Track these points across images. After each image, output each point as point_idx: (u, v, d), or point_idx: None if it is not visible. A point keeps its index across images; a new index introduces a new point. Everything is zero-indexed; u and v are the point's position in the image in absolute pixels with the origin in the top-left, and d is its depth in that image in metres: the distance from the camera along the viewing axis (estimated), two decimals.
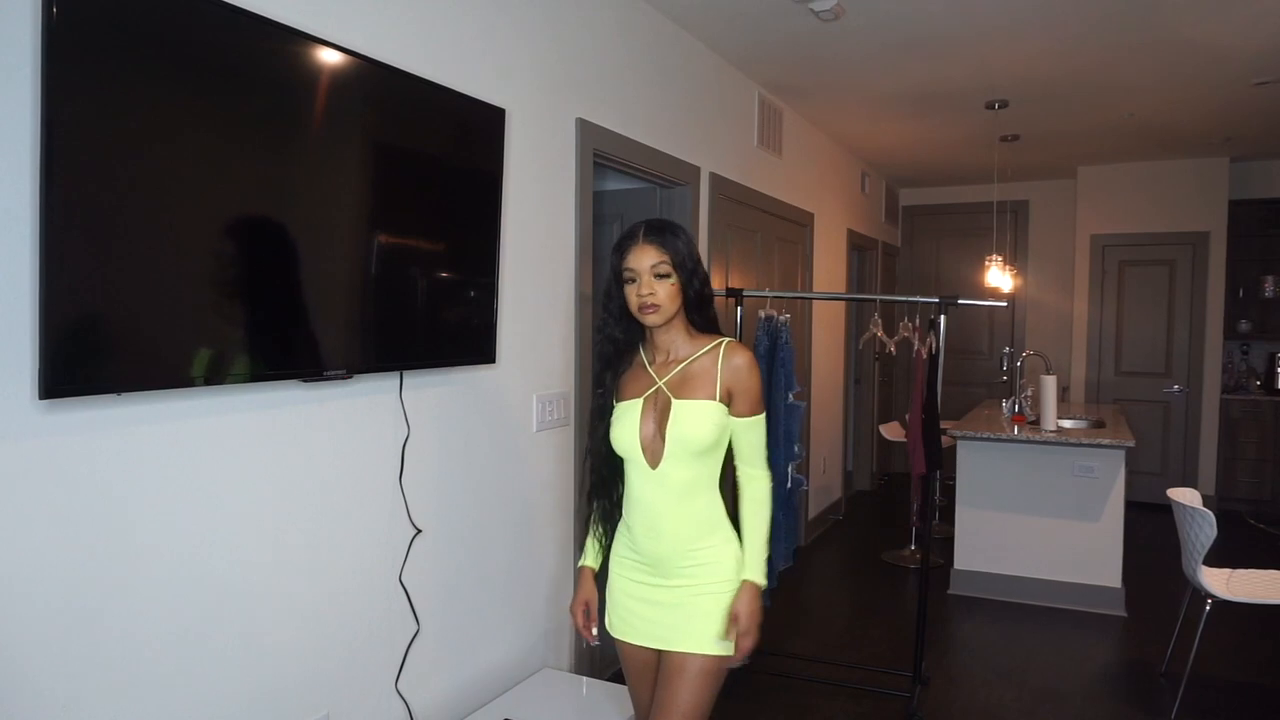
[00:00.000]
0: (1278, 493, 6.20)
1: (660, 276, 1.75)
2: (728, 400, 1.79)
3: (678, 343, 1.83)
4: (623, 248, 1.79)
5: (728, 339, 1.82)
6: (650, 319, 1.77)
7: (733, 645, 1.78)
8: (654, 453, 1.78)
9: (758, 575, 1.82)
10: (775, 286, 4.75)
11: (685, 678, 1.76)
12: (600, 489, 1.92)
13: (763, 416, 1.83)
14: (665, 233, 1.78)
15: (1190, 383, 6.45)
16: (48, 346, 1.36)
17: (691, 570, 1.80)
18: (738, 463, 1.86)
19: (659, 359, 1.84)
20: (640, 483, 1.81)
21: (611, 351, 1.86)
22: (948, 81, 4.37)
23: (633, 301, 1.77)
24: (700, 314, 1.83)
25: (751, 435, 1.83)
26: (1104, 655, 3.78)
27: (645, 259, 1.75)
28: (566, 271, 2.91)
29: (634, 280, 1.76)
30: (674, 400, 1.77)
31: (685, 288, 1.78)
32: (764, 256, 4.72)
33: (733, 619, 1.77)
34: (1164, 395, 6.54)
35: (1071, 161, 6.54)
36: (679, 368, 1.81)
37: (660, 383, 1.81)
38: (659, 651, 1.85)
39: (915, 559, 5.01)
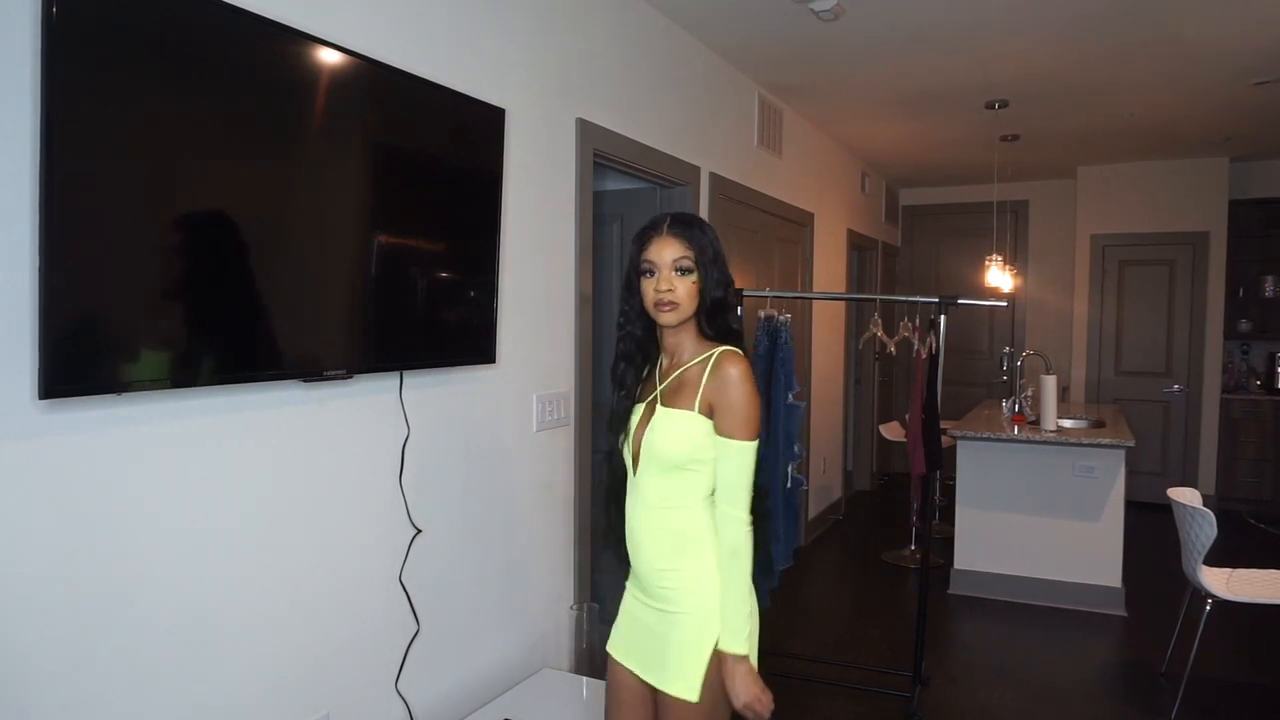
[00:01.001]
0: (1278, 493, 6.20)
1: (682, 272, 1.63)
2: (710, 414, 1.62)
3: (685, 346, 1.70)
4: (644, 238, 1.67)
5: (726, 347, 1.66)
6: (666, 317, 1.65)
7: (698, 692, 1.60)
8: (637, 460, 1.70)
9: (731, 643, 1.59)
10: (775, 286, 4.75)
11: None
12: (607, 497, 1.81)
13: (749, 446, 1.59)
14: (692, 227, 1.66)
15: (1190, 383, 6.45)
16: (48, 346, 1.36)
17: (663, 591, 1.67)
18: (715, 496, 1.64)
19: (667, 361, 1.73)
20: (629, 489, 1.73)
21: (634, 349, 1.74)
22: (948, 81, 4.37)
23: (649, 297, 1.65)
24: (711, 322, 1.67)
25: (729, 464, 1.60)
26: (1104, 655, 3.78)
27: (667, 252, 1.63)
28: (566, 271, 2.91)
29: (652, 274, 1.64)
30: (659, 407, 1.67)
31: (703, 289, 1.65)
32: (764, 256, 4.72)
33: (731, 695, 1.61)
34: (1164, 395, 6.54)
35: (1071, 161, 6.54)
36: (677, 373, 1.68)
37: (660, 387, 1.70)
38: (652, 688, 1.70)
39: (915, 559, 5.01)
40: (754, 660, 1.64)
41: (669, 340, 1.71)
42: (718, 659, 1.60)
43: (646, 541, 1.68)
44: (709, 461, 1.63)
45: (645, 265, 1.66)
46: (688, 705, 1.61)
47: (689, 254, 1.63)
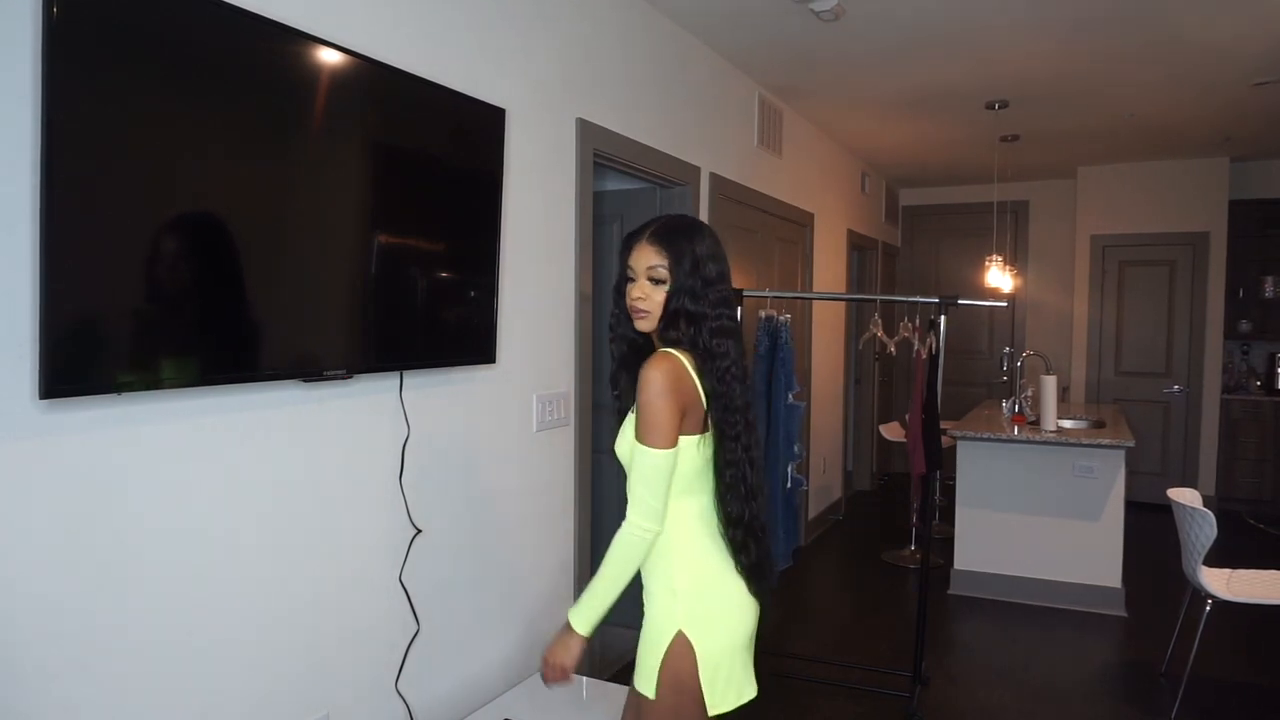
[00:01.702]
0: (1278, 493, 6.19)
1: (656, 282, 1.60)
2: None
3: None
4: (627, 244, 1.65)
5: (663, 349, 1.62)
6: (639, 324, 1.64)
7: (654, 688, 1.61)
8: None
9: (573, 615, 1.63)
10: (775, 286, 4.75)
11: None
12: None
13: (647, 452, 1.54)
14: (675, 235, 1.61)
15: (1190, 383, 6.45)
16: (48, 346, 1.36)
17: (645, 592, 1.69)
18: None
19: None
20: None
21: (626, 351, 1.73)
22: (948, 81, 4.37)
23: (628, 303, 1.65)
24: (664, 332, 1.62)
25: (633, 467, 1.57)
26: (1104, 655, 3.78)
27: (643, 259, 1.61)
28: (566, 271, 2.91)
29: (633, 280, 1.64)
30: (630, 412, 1.66)
31: (669, 297, 1.60)
32: (764, 256, 4.72)
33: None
34: (1164, 395, 6.54)
35: (1071, 161, 6.54)
36: None
37: None
38: None
39: (915, 559, 5.01)
40: (714, 673, 1.61)
41: (656, 343, 1.69)
42: (675, 657, 1.60)
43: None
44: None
45: (628, 271, 1.65)
46: (648, 701, 1.62)
47: (663, 263, 1.59)
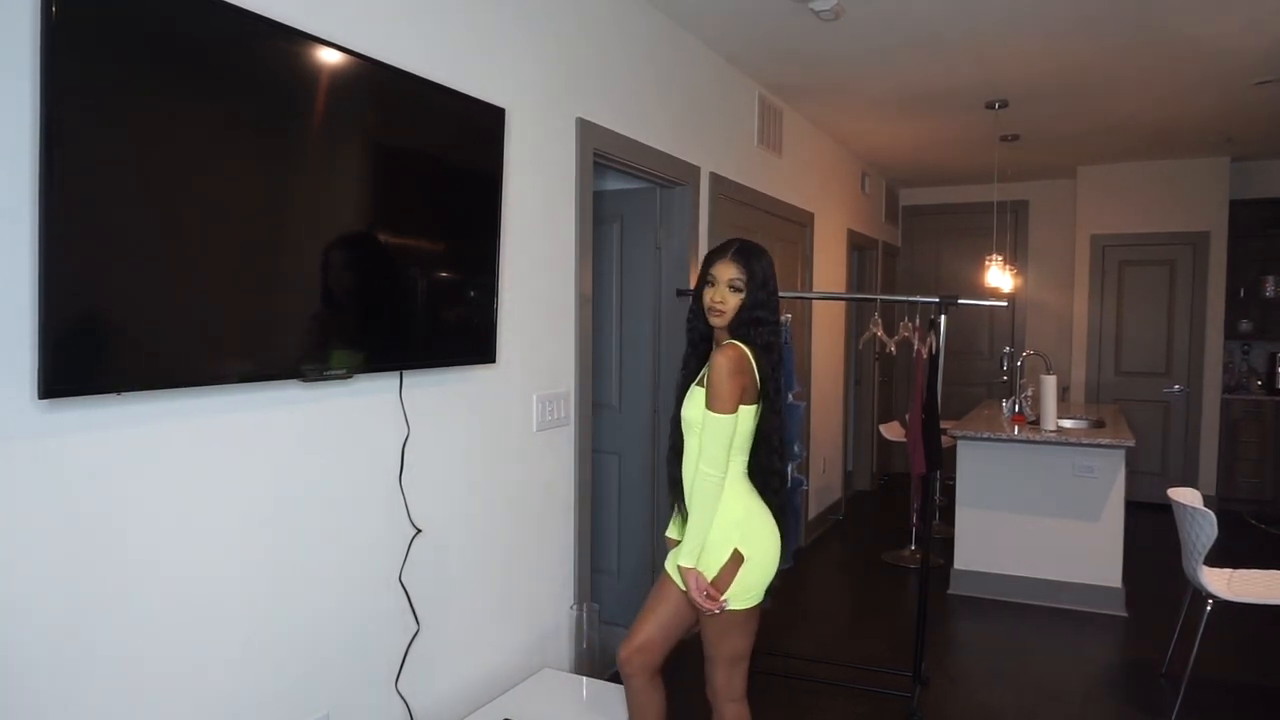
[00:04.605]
0: (1278, 493, 6.19)
1: (734, 289, 2.06)
2: None
3: (722, 341, 2.12)
4: (712, 258, 2.11)
5: (730, 340, 2.06)
6: (714, 320, 2.10)
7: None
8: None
9: (681, 558, 2.07)
10: None
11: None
12: (668, 454, 2.26)
13: (716, 417, 2.00)
14: (751, 256, 2.08)
15: (1190, 383, 6.45)
16: (47, 346, 1.36)
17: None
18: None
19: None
20: None
21: (697, 339, 2.20)
22: (948, 81, 4.37)
23: (705, 301, 2.10)
24: (737, 330, 2.08)
25: (705, 429, 2.03)
26: (1104, 655, 3.78)
27: (726, 272, 2.07)
28: (566, 271, 2.91)
29: (712, 285, 2.08)
30: (693, 385, 2.14)
31: (745, 305, 2.06)
32: None
33: None
34: (1164, 395, 6.54)
35: (1071, 161, 6.54)
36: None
37: (704, 371, 2.14)
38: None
39: (915, 559, 5.01)
40: (760, 576, 2.09)
41: (716, 335, 2.15)
42: (731, 565, 2.05)
43: (686, 488, 2.14)
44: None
45: (709, 277, 2.10)
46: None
47: (742, 277, 2.06)
